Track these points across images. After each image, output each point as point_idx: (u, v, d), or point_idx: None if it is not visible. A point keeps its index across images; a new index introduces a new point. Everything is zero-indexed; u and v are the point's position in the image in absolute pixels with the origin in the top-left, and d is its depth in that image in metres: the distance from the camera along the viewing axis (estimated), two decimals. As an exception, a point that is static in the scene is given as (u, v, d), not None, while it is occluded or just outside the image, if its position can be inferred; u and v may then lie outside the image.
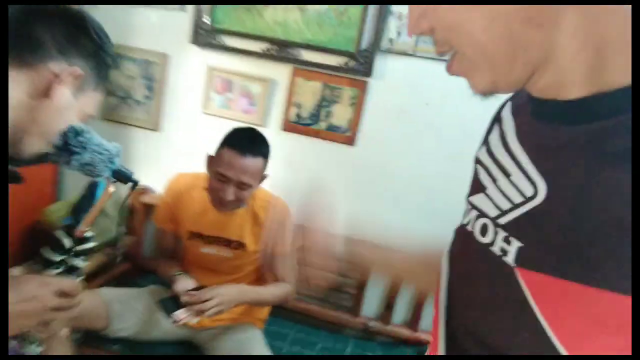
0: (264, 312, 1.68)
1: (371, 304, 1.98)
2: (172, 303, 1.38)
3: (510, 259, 0.44)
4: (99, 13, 1.96)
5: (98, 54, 0.79)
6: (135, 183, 0.94)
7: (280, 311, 1.90)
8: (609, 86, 0.38)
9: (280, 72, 1.88)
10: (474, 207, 0.53)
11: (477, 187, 0.54)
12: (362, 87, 1.80)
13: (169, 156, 2.06)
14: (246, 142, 1.39)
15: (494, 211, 0.48)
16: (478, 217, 0.51)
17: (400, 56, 1.76)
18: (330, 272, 1.91)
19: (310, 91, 1.85)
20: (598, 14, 0.38)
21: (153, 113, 2.03)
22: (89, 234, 0.96)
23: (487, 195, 0.51)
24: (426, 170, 1.84)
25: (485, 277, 0.48)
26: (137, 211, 2.03)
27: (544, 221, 0.41)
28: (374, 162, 1.88)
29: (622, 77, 0.38)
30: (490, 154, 0.53)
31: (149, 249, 2.07)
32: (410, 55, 1.73)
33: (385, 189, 1.89)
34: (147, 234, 2.07)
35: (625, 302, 0.35)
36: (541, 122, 0.45)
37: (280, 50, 1.83)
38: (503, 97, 0.56)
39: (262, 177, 1.48)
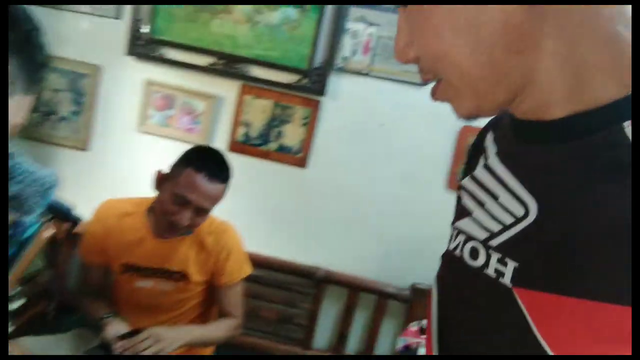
0: (208, 350, 1.53)
1: (323, 335, 1.88)
2: (102, 352, 1.19)
3: (506, 280, 0.44)
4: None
5: (26, 47, 0.64)
6: (76, 221, 0.77)
7: (226, 347, 1.76)
8: (590, 104, 0.40)
9: (227, 89, 1.78)
10: (461, 231, 0.54)
11: (462, 212, 0.55)
12: (315, 107, 1.73)
13: (100, 179, 1.87)
14: (215, 166, 1.28)
15: (483, 234, 0.49)
16: (466, 241, 0.52)
17: (355, 75, 1.72)
18: (279, 302, 1.81)
19: (259, 110, 1.76)
20: (575, 38, 0.39)
21: (82, 131, 1.84)
22: (15, 290, 0.77)
23: (474, 219, 0.52)
24: (379, 193, 1.80)
25: (480, 301, 0.48)
26: (60, 241, 1.81)
27: (538, 239, 0.42)
28: (326, 185, 1.82)
29: (603, 95, 0.39)
30: (475, 179, 0.54)
31: (74, 284, 1.86)
32: (365, 74, 1.70)
33: (338, 213, 1.83)
34: (72, 266, 1.85)
35: (626, 313, 0.35)
36: (526, 143, 0.47)
37: (228, 65, 1.73)
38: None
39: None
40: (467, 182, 0.55)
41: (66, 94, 1.83)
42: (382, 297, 1.79)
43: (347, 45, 1.68)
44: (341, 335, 1.83)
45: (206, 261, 1.39)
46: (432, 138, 1.75)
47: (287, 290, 1.80)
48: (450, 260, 0.55)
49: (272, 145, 1.78)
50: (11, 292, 0.74)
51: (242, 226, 1.84)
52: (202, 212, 1.27)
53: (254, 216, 1.84)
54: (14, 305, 0.76)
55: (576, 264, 0.39)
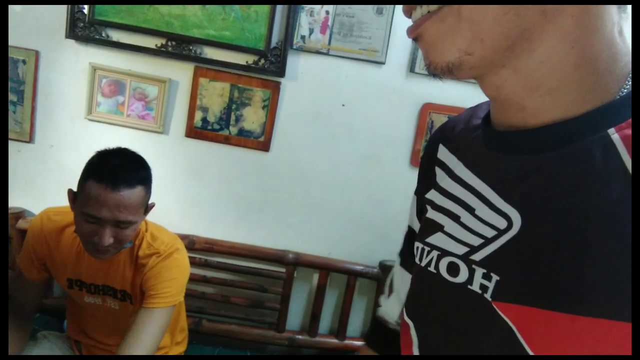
0: (182, 346, 1.62)
1: (296, 317, 2.03)
2: None
3: (491, 294, 0.45)
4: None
5: None
6: None
7: (198, 336, 1.88)
8: (575, 108, 0.42)
9: (180, 72, 1.81)
10: (433, 247, 0.54)
11: (430, 227, 0.56)
12: (275, 88, 1.80)
13: (46, 171, 1.89)
14: (117, 170, 1.17)
15: (461, 248, 0.50)
16: (440, 256, 0.53)
17: (314, 55, 1.79)
18: (250, 288, 1.92)
19: (216, 93, 1.81)
20: (589, 27, 0.40)
21: (23, 121, 1.85)
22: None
23: (446, 233, 0.53)
24: (343, 174, 1.91)
25: (466, 317, 0.49)
26: (13, 240, 1.85)
27: (524, 251, 0.43)
28: (290, 168, 1.91)
29: (590, 97, 0.42)
30: (443, 192, 0.56)
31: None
32: (324, 54, 1.78)
33: (303, 196, 1.93)
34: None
35: (620, 328, 0.36)
36: (502, 152, 0.48)
37: (179, 46, 1.77)
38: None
39: (147, 207, 1.29)
40: (433, 195, 0.58)
41: (2, 82, 1.82)
42: (351, 275, 1.94)
43: (304, 23, 1.74)
44: (313, 316, 1.98)
45: (139, 281, 1.33)
46: (393, 117, 1.86)
47: (257, 275, 1.91)
48: (424, 278, 0.55)
49: (233, 130, 1.84)
50: None
51: (207, 214, 1.94)
52: (123, 224, 1.18)
53: (218, 203, 1.93)
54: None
55: (566, 278, 0.39)
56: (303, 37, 1.76)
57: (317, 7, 1.72)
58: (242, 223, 1.95)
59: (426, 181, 0.63)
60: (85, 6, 1.73)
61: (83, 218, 1.16)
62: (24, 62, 1.81)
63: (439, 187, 0.57)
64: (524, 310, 0.42)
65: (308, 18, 1.73)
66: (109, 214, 1.14)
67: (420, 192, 0.66)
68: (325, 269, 1.93)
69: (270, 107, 1.82)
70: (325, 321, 2.04)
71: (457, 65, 0.43)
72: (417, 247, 0.58)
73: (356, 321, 2.02)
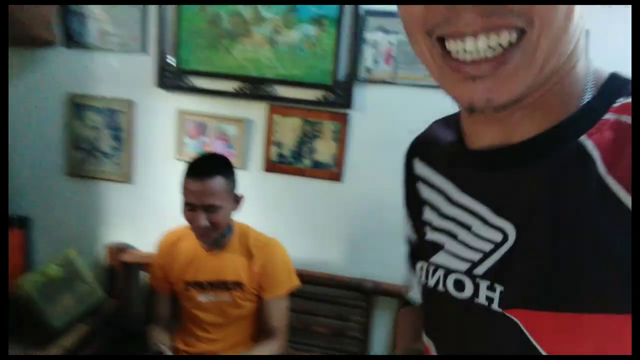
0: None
1: (379, 346, 2.07)
2: None
3: (497, 305, 0.49)
4: (56, 60, 2.01)
5: None
6: None
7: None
8: (550, 121, 0.46)
9: (255, 111, 1.98)
10: (438, 266, 0.58)
11: (431, 247, 0.59)
12: (343, 120, 1.90)
13: (145, 209, 2.14)
14: (198, 165, 1.54)
15: (463, 265, 0.54)
16: (446, 274, 0.56)
17: (380, 85, 1.86)
18: (330, 317, 1.99)
19: (289, 128, 1.95)
20: (557, 35, 0.41)
21: (123, 164, 2.11)
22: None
23: (448, 252, 0.56)
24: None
25: (479, 331, 0.52)
26: (117, 272, 2.10)
27: (522, 260, 0.46)
28: (363, 196, 1.98)
29: (562, 105, 0.45)
30: (439, 213, 0.59)
31: (139, 312, 2.15)
32: (390, 83, 1.84)
33: (378, 223, 1.98)
34: (133, 296, 2.15)
35: (626, 321, 0.39)
36: (487, 170, 0.52)
37: (254, 87, 1.93)
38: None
39: (236, 199, 1.61)
40: (430, 215, 0.61)
41: (105, 130, 2.10)
42: (432, 304, 1.94)
43: (368, 55, 1.82)
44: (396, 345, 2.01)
45: (255, 271, 1.64)
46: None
47: (336, 304, 1.99)
48: (435, 297, 0.59)
49: (306, 162, 1.97)
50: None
51: (286, 244, 2.06)
52: (210, 209, 1.50)
53: (296, 233, 2.04)
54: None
55: (565, 279, 0.42)
56: (368, 69, 1.84)
57: (379, 38, 1.80)
58: (319, 252, 2.04)
59: (412, 199, 0.67)
60: (172, 57, 1.96)
61: (185, 208, 1.53)
62: (121, 111, 2.07)
63: (432, 205, 0.61)
64: (531, 314, 0.45)
65: (372, 50, 1.81)
66: (196, 199, 1.49)
67: (411, 211, 0.70)
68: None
69: (340, 138, 1.91)
70: (409, 350, 2.06)
71: (514, 101, 0.43)
72: (422, 267, 0.62)
73: (441, 351, 2.01)
